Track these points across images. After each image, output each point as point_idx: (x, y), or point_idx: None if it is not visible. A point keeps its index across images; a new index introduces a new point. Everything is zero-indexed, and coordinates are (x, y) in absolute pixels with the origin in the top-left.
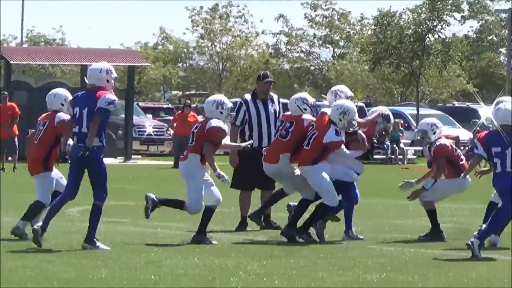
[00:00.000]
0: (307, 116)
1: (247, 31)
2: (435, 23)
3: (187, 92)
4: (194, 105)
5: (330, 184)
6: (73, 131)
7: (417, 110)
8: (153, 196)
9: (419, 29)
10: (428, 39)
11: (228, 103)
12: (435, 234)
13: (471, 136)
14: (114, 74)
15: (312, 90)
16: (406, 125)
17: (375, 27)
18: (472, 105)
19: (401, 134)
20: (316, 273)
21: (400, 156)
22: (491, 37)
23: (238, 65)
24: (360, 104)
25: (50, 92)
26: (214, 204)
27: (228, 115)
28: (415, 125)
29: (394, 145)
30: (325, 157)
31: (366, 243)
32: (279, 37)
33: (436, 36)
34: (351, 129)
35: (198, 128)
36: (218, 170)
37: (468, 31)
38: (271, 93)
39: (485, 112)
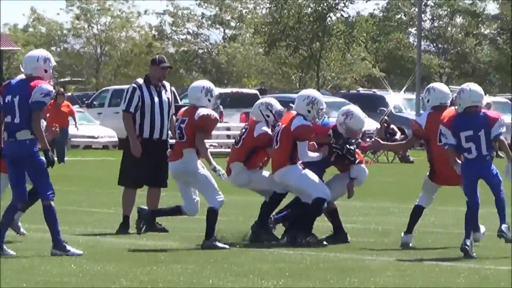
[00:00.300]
0: (262, 127)
1: (128, 11)
2: (337, 1)
3: (62, 79)
4: (69, 94)
5: (314, 176)
6: (5, 121)
7: None
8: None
9: (319, 8)
10: (329, 18)
11: (216, 91)
12: (338, 235)
13: (378, 126)
14: (53, 63)
15: (200, 75)
16: None
17: (270, 6)
18: (378, 92)
19: None
20: (206, 279)
21: None
22: (399, 16)
23: (118, 49)
24: (254, 91)
25: None
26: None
27: (216, 103)
28: None
29: None
30: (297, 155)
31: (262, 245)
32: (164, 18)
33: (338, 15)
34: (319, 120)
35: (186, 122)
36: (214, 163)
37: (374, 10)
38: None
39: (394, 99)
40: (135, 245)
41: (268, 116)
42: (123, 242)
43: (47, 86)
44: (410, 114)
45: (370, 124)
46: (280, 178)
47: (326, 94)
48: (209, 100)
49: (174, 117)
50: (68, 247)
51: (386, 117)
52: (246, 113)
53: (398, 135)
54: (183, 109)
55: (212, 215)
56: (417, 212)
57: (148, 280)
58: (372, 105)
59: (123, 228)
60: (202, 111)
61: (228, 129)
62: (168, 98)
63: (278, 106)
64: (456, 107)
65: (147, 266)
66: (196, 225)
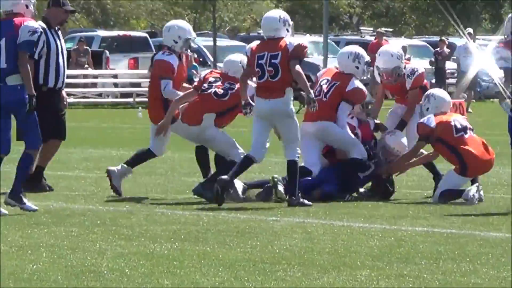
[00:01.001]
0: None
1: None
2: None
3: None
4: None
5: (353, 136)
6: None
7: (214, 42)
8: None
9: None
10: None
11: (366, 56)
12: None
13: None
14: None
15: (84, 17)
16: (201, 59)
17: None
18: None
19: (195, 72)
20: (92, 243)
21: None
22: None
23: None
24: (144, 34)
25: None
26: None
27: (365, 70)
28: (212, 59)
29: None
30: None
31: (154, 207)
32: None
33: None
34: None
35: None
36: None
37: None
38: None
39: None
40: (14, 206)
41: (357, 67)
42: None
43: (33, 23)
44: (317, 59)
45: None
46: (320, 129)
47: (223, 37)
48: (357, 67)
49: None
50: (24, 200)
51: None
52: (135, 59)
53: None
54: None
55: (295, 167)
56: None
57: (28, 244)
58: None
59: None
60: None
61: (115, 76)
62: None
63: (366, 57)
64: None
65: (27, 229)
66: (79, 183)
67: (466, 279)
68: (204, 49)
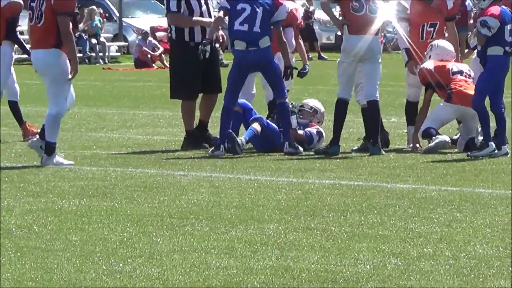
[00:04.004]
0: None
1: None
2: None
3: None
4: None
5: None
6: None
7: None
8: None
9: None
10: None
11: None
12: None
13: None
14: None
15: None
16: (106, 15)
17: None
18: None
19: (99, 24)
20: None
21: (101, 54)
22: None
23: None
24: None
25: None
26: None
27: None
28: (117, 15)
29: (93, 40)
30: None
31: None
32: None
33: None
34: None
35: None
36: None
37: None
38: None
39: None
40: None
41: None
42: None
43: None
44: None
45: None
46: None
47: None
48: None
49: None
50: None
51: None
52: None
53: None
54: None
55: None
56: None
57: None
58: None
59: None
60: None
61: None
62: None
63: None
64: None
65: None
66: None
67: (374, 231)
68: (110, 4)
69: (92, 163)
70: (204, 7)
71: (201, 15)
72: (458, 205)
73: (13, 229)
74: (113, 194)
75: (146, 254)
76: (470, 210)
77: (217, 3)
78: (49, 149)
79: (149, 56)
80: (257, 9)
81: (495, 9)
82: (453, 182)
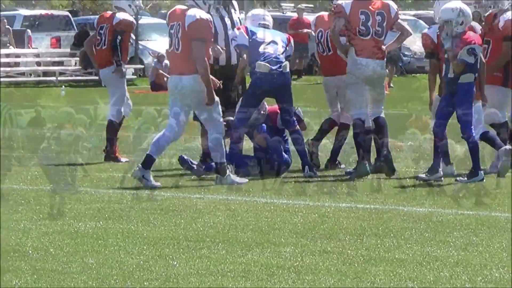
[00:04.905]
0: None
1: None
2: None
3: None
4: None
5: None
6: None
7: (136, 20)
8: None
9: None
10: None
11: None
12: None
13: None
14: None
15: None
16: None
17: None
18: None
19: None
20: (17, 223)
21: None
22: None
23: None
24: (65, 13)
25: None
26: None
27: None
28: (133, 37)
29: None
30: None
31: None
32: None
33: None
34: None
35: None
36: None
37: None
38: None
39: None
40: None
41: None
42: None
43: None
44: None
45: None
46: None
47: (145, 14)
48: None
49: None
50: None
51: None
52: (57, 38)
53: None
54: None
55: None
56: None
57: None
58: None
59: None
60: None
61: (37, 55)
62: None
63: None
64: None
65: None
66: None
67: (390, 254)
68: None
69: (108, 185)
70: (230, 31)
71: (226, 37)
72: (474, 229)
73: (30, 251)
74: (129, 216)
75: (163, 277)
76: (486, 234)
77: (233, 39)
78: (223, 171)
79: (165, 79)
80: (276, 38)
81: (475, 36)
82: (469, 206)
